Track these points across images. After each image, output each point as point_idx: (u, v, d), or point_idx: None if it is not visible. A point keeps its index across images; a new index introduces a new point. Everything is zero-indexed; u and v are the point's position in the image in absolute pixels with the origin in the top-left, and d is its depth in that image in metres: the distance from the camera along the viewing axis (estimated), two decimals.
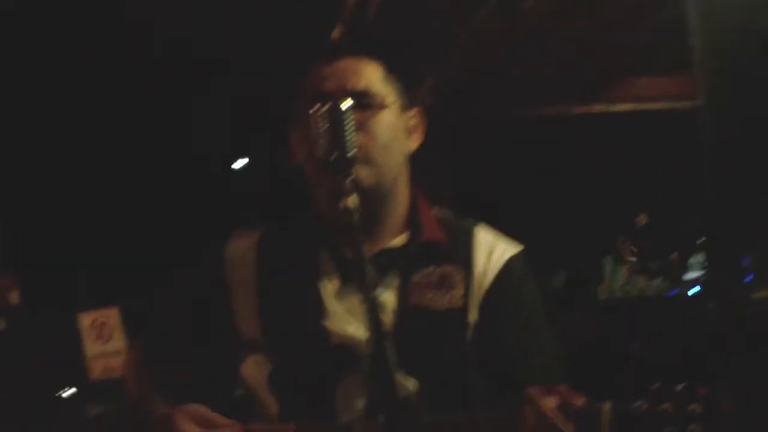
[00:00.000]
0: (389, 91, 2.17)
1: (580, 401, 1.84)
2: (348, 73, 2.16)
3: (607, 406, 1.83)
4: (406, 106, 2.22)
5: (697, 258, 6.14)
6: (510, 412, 1.93)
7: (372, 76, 2.17)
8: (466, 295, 2.14)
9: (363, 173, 2.06)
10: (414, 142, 2.24)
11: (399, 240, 2.20)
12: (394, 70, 2.22)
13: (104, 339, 6.77)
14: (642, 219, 6.08)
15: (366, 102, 2.12)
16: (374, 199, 2.11)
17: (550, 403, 1.80)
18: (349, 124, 1.93)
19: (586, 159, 7.73)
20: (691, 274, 6.18)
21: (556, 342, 2.20)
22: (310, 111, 1.95)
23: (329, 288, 2.14)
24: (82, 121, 8.55)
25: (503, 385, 2.11)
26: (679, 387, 1.80)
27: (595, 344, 5.54)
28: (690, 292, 5.94)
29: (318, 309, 2.12)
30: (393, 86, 2.19)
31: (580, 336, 5.55)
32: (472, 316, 2.13)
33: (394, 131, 2.16)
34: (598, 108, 7.22)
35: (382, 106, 2.14)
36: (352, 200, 1.87)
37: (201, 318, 2.22)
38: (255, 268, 2.20)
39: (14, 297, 1.59)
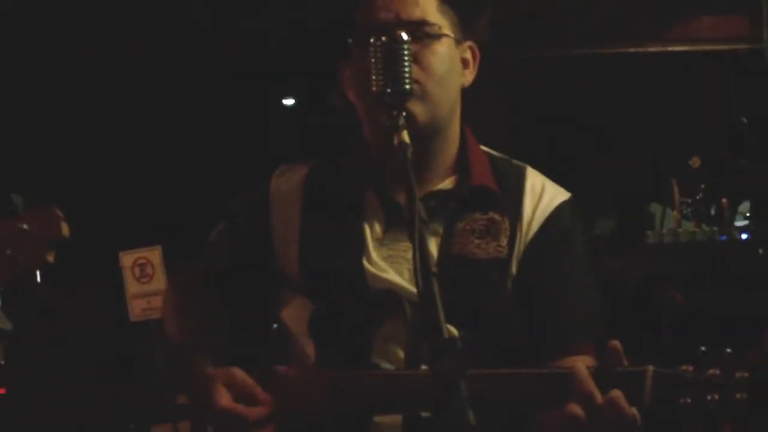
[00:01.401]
0: (445, 22, 2.13)
1: (623, 363, 1.79)
2: (403, 2, 2.10)
3: (650, 369, 1.77)
4: (461, 38, 2.17)
5: (748, 204, 6.05)
6: (552, 371, 1.88)
7: (428, 5, 2.13)
8: (512, 243, 2.09)
9: (417, 109, 2.04)
10: (468, 77, 2.20)
11: (447, 183, 2.15)
12: (450, 2, 2.17)
13: (146, 279, 6.75)
14: (695, 162, 5.94)
15: (422, 32, 2.09)
16: (427, 136, 2.08)
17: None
18: (406, 57, 1.88)
19: (641, 99, 7.59)
20: (742, 221, 6.09)
21: (599, 296, 2.15)
22: (366, 43, 1.91)
23: (373, 230, 2.11)
24: (129, 51, 8.51)
25: (543, 338, 2.06)
26: (727, 352, 1.74)
27: (641, 292, 5.48)
28: (740, 238, 5.84)
29: (360, 252, 2.09)
30: (449, 17, 2.14)
31: (626, 282, 5.48)
32: (516, 265, 2.08)
33: (449, 64, 2.12)
34: (654, 48, 7.06)
35: (438, 37, 2.10)
36: (405, 135, 1.83)
37: (242, 254, 2.19)
38: (299, 204, 2.18)
39: (65, 229, 1.55)
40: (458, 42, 2.14)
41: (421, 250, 1.63)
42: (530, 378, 1.85)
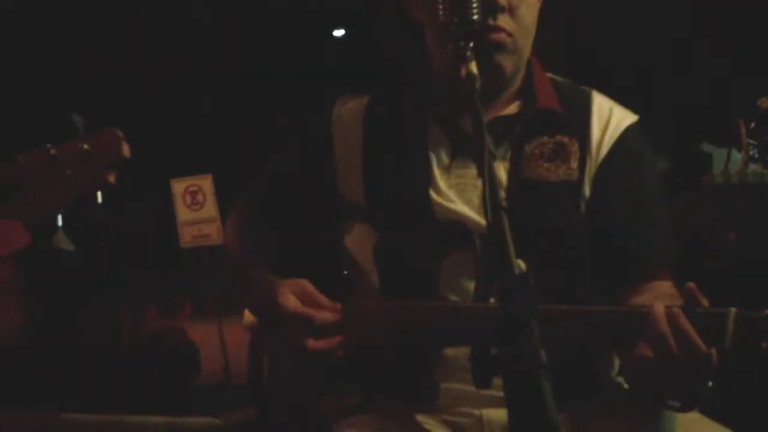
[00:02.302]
0: None
1: (704, 304, 1.73)
2: None
3: (732, 311, 1.71)
4: None
5: None
6: (628, 309, 1.82)
7: None
8: (581, 166, 2.03)
9: (507, 62, 1.99)
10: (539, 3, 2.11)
11: (512, 108, 2.09)
12: None
13: (197, 206, 6.75)
14: (764, 102, 5.80)
15: None
16: (507, 77, 2.02)
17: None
18: None
19: (708, 37, 7.45)
20: None
21: (670, 219, 2.09)
22: None
23: (439, 160, 2.05)
24: None
25: (619, 262, 2.00)
26: None
27: (700, 235, 5.39)
28: None
29: (426, 181, 2.03)
30: None
31: (685, 225, 5.39)
32: (587, 188, 2.02)
33: (535, 11, 2.05)
34: None
35: None
36: (473, 66, 1.75)
37: (306, 180, 2.15)
38: (361, 132, 2.12)
39: (126, 149, 1.52)
40: None
41: (491, 186, 1.57)
42: (604, 316, 1.79)
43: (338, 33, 10.30)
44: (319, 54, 9.82)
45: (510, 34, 1.96)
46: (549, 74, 2.17)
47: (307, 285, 2.01)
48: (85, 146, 1.63)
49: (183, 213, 6.76)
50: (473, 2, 1.78)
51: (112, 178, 1.64)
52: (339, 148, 2.12)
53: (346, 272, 2.13)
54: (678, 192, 5.89)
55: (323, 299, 1.98)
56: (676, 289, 1.90)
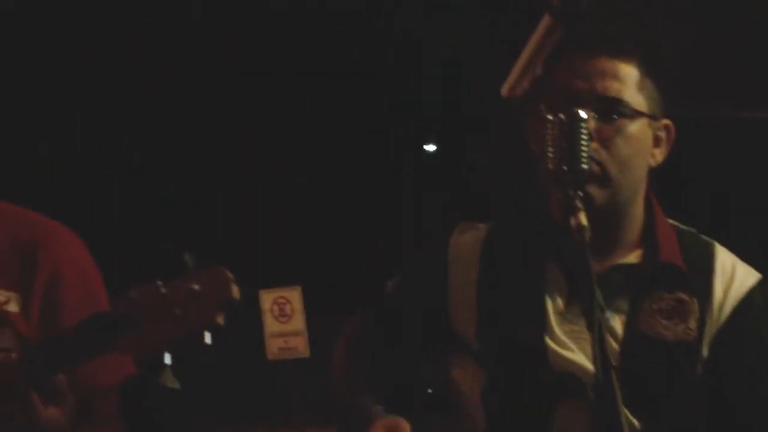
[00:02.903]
0: (642, 99, 1.98)
1: None
2: (602, 75, 1.97)
3: None
4: (658, 115, 2.04)
5: None
6: None
7: (628, 79, 1.97)
8: (701, 327, 1.96)
9: (596, 192, 1.90)
10: (658, 157, 2.05)
11: (632, 257, 2.03)
12: (652, 75, 2.04)
13: (285, 318, 6.77)
14: None
15: (614, 111, 1.94)
16: (605, 216, 1.95)
17: None
18: (584, 136, 1.78)
19: None
20: None
21: None
22: (546, 117, 1.82)
23: (555, 304, 2.00)
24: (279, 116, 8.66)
25: (729, 428, 1.95)
26: None
27: None
28: None
29: (542, 326, 1.98)
30: (647, 92, 2.01)
31: None
32: (705, 349, 1.96)
33: (639, 146, 1.98)
34: None
35: (631, 117, 1.97)
36: (583, 217, 1.72)
37: (417, 310, 2.12)
38: (478, 266, 2.07)
39: (235, 291, 1.52)
40: (654, 119, 2.01)
41: (601, 345, 1.54)
42: None
43: (430, 148, 10.37)
44: (411, 168, 9.88)
45: (599, 163, 1.90)
46: (671, 221, 2.12)
47: (404, 425, 1.98)
48: (195, 286, 1.63)
49: (271, 325, 6.79)
50: (583, 151, 1.77)
51: (221, 320, 1.64)
52: (455, 279, 2.09)
53: (452, 403, 2.10)
54: None
55: None
56: None
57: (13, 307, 2.04)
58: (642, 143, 1.98)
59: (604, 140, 1.91)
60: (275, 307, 6.77)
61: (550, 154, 1.78)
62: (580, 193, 1.77)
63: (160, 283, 1.66)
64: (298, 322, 6.69)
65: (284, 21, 7.36)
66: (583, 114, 1.79)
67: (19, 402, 1.81)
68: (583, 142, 1.78)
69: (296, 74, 7.89)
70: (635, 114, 1.95)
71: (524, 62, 5.97)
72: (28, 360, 1.81)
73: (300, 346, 6.69)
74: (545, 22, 5.84)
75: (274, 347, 6.80)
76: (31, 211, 2.23)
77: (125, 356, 1.93)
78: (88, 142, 7.72)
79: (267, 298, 6.82)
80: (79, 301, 2.08)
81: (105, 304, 2.10)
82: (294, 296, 6.78)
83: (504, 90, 6.31)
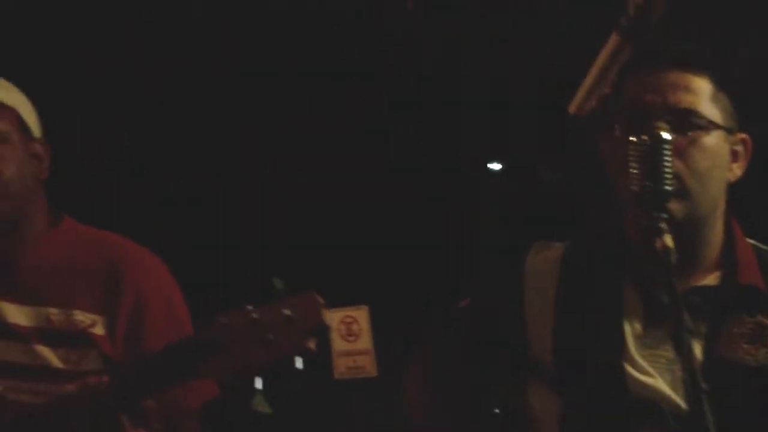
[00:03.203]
0: (717, 112, 1.95)
1: None
2: (674, 87, 1.94)
3: None
4: (734, 129, 2.00)
5: None
6: None
7: (701, 92, 1.94)
8: None
9: (674, 206, 1.85)
10: (736, 171, 2.01)
11: (711, 279, 1.99)
12: (726, 88, 2.01)
13: (352, 338, 6.78)
14: None
15: (688, 123, 1.91)
16: (684, 233, 1.91)
17: None
18: (667, 157, 1.75)
19: None
20: None
21: None
22: (629, 138, 1.80)
23: (633, 328, 1.97)
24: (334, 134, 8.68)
25: None
26: None
27: None
28: None
29: (620, 351, 1.94)
30: (722, 105, 1.97)
31: None
32: None
33: (716, 159, 1.94)
34: None
35: (706, 129, 1.93)
36: (668, 239, 1.70)
37: (492, 331, 2.09)
38: (556, 286, 2.04)
39: (326, 316, 1.50)
40: (729, 133, 1.98)
41: (691, 369, 1.52)
42: None
43: (495, 166, 10.32)
44: (475, 187, 9.85)
45: (676, 176, 1.84)
46: (751, 241, 2.08)
47: None
48: (287, 311, 1.65)
49: (338, 343, 6.79)
50: (667, 172, 1.75)
51: (312, 345, 1.65)
52: (531, 300, 2.05)
53: (527, 427, 2.08)
54: None
55: None
56: None
57: (99, 330, 2.07)
58: (719, 156, 1.94)
59: (680, 153, 1.87)
60: (342, 327, 6.77)
61: (633, 176, 1.76)
62: (665, 215, 1.74)
63: (250, 307, 1.68)
64: (366, 341, 6.69)
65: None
66: (666, 135, 1.77)
67: (109, 425, 1.84)
68: (667, 163, 1.76)
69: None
70: (710, 126, 1.92)
71: (592, 80, 5.95)
72: (118, 384, 1.83)
73: (367, 365, 6.68)
74: (613, 40, 5.82)
75: (341, 366, 6.80)
76: (116, 234, 2.27)
77: (208, 378, 1.95)
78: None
79: (334, 318, 6.83)
80: (163, 326, 2.11)
81: (189, 328, 2.13)
82: (361, 316, 6.78)
83: (571, 108, 6.29)
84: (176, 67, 7.42)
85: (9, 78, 2.20)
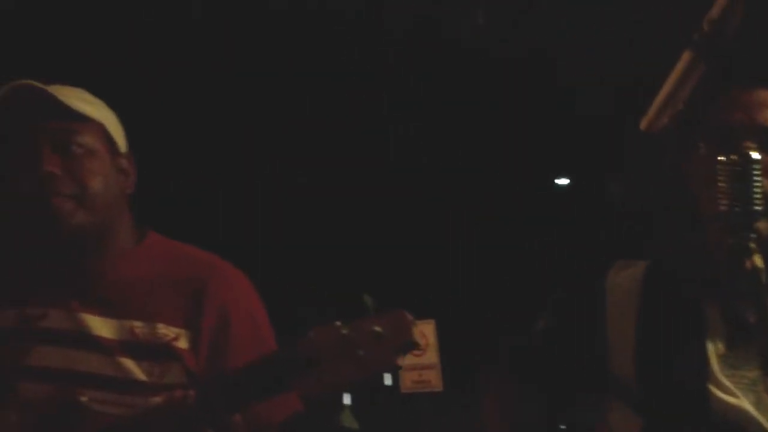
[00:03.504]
0: None
1: None
2: (761, 106, 1.94)
3: None
4: None
5: None
6: None
7: None
8: None
9: (762, 226, 1.84)
10: None
11: None
12: None
13: (419, 352, 6.77)
14: None
15: None
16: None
17: None
18: (757, 177, 1.74)
19: None
20: None
21: None
22: (714, 157, 1.78)
23: (716, 348, 1.95)
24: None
25: None
26: None
27: None
28: None
29: (704, 372, 1.93)
30: None
31: None
32: None
33: None
34: None
35: None
36: (758, 260, 1.68)
37: (573, 354, 2.08)
38: (637, 305, 2.03)
39: (415, 333, 1.51)
40: None
41: None
42: None
43: (562, 182, 10.27)
44: (542, 202, 9.80)
45: (764, 195, 1.81)
46: None
47: None
48: (377, 328, 1.65)
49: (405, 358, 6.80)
50: (757, 192, 1.73)
51: (401, 362, 1.65)
52: (613, 319, 2.04)
53: None
54: None
55: None
56: None
57: (182, 344, 2.08)
58: None
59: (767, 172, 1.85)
60: None
61: (720, 196, 1.75)
62: (754, 235, 1.73)
63: (339, 323, 1.69)
64: (433, 355, 6.69)
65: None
66: (755, 155, 1.76)
67: None
68: (756, 183, 1.75)
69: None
70: None
71: (664, 97, 5.90)
72: (204, 398, 1.84)
73: (433, 379, 6.68)
74: (686, 56, 5.77)
75: (407, 380, 6.80)
76: (200, 249, 2.28)
77: (292, 393, 1.95)
78: None
79: None
80: (247, 341, 2.11)
81: (272, 343, 2.13)
82: (428, 329, 6.78)
83: (643, 125, 6.25)
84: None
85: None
